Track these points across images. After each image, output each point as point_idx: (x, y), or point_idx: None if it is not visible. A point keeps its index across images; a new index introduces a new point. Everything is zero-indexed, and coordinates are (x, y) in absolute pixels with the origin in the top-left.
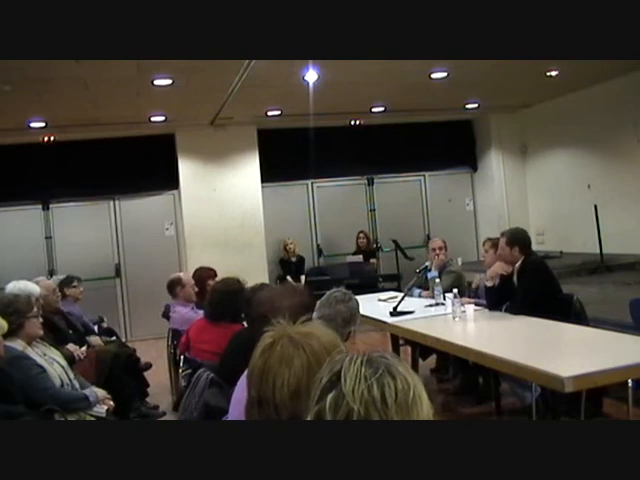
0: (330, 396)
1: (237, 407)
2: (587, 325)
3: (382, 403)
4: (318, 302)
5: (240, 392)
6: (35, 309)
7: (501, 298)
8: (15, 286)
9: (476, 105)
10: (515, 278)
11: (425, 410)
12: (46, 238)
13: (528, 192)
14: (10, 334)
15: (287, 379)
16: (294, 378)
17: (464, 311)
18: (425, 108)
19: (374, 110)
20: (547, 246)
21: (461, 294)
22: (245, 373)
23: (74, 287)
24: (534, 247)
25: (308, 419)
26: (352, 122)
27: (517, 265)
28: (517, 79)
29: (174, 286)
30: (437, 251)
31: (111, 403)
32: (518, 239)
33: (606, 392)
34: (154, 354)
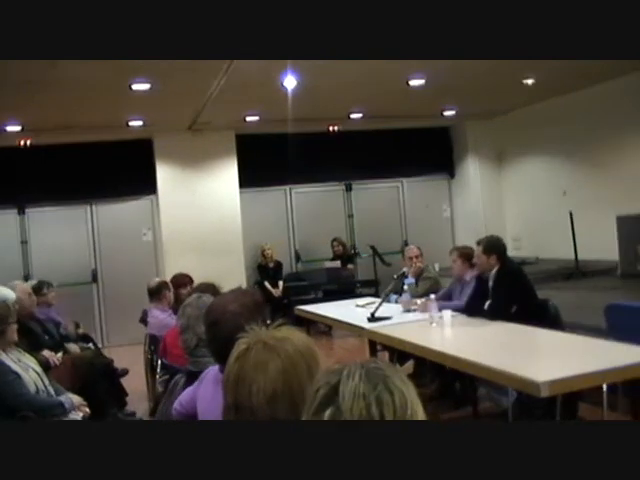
0: (327, 412)
1: (208, 414)
2: (562, 330)
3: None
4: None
5: (207, 400)
6: (13, 315)
7: (479, 304)
8: None
9: (453, 112)
10: (491, 284)
11: None
12: (22, 243)
13: (504, 198)
14: None
15: (263, 384)
16: (270, 383)
17: (441, 316)
18: (403, 115)
19: (352, 116)
20: (523, 252)
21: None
22: (203, 381)
23: (43, 294)
24: (510, 253)
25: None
26: (331, 128)
27: (493, 272)
28: (494, 86)
29: (161, 289)
30: (414, 259)
31: (87, 410)
32: (494, 247)
33: (581, 397)
34: (131, 360)
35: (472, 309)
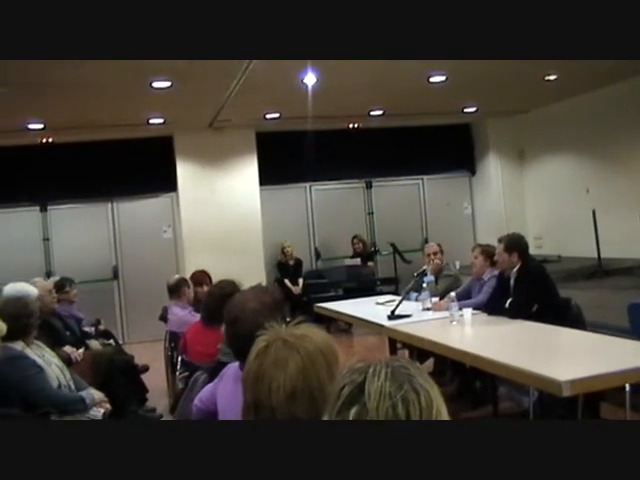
0: (353, 411)
1: (228, 411)
2: (585, 329)
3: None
4: None
5: (227, 396)
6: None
7: (500, 302)
8: (13, 288)
9: (474, 109)
10: (512, 282)
11: None
12: (44, 240)
13: (526, 196)
14: (20, 336)
15: (282, 382)
16: (289, 381)
17: (462, 315)
18: (423, 112)
19: (372, 113)
20: (545, 250)
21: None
22: (221, 380)
23: (66, 292)
24: (532, 251)
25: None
26: (350, 125)
27: (514, 270)
28: (515, 83)
29: (180, 286)
30: (432, 256)
31: (108, 406)
32: (516, 245)
33: (603, 397)
34: (151, 357)
35: (493, 307)
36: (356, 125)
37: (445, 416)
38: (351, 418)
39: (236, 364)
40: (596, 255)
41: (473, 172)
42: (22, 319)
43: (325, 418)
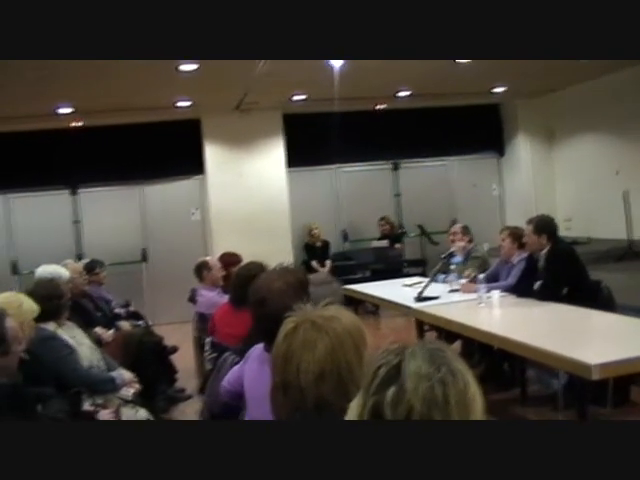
0: (390, 391)
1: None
2: (615, 312)
3: (444, 403)
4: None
5: (253, 378)
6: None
7: (529, 284)
8: (45, 270)
9: (503, 89)
10: (542, 265)
11: (479, 408)
12: (74, 223)
13: (556, 177)
14: (53, 317)
15: (311, 363)
16: (318, 362)
17: (489, 297)
18: (451, 92)
19: (399, 94)
20: (574, 232)
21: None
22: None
23: (96, 273)
24: (561, 233)
25: (354, 405)
26: (378, 107)
27: (544, 252)
28: (545, 62)
29: (201, 269)
30: (452, 237)
31: (137, 386)
32: (545, 227)
33: (634, 380)
34: (180, 338)
35: (522, 289)
36: (383, 106)
37: (479, 401)
38: (388, 399)
39: (260, 346)
40: (626, 237)
41: (502, 153)
42: (54, 300)
43: (358, 398)
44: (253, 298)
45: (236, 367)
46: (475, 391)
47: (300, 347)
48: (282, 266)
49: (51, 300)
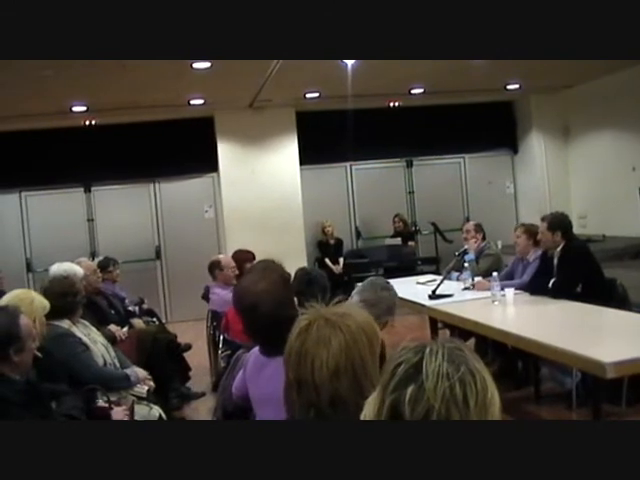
0: (409, 389)
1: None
2: (630, 310)
3: (464, 403)
4: (359, 285)
5: (254, 383)
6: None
7: (543, 282)
8: (59, 267)
9: (517, 86)
10: (556, 262)
11: (497, 409)
12: (88, 220)
13: (570, 174)
14: (67, 314)
15: (325, 360)
16: (332, 358)
17: (503, 294)
18: (465, 89)
19: (413, 91)
20: (589, 230)
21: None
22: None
23: (109, 271)
24: (576, 230)
25: (371, 402)
26: (391, 104)
27: (558, 250)
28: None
29: (213, 268)
30: (465, 235)
31: (151, 383)
32: (559, 224)
33: None
34: (193, 335)
35: (535, 287)
36: (397, 104)
37: (497, 402)
38: (407, 397)
39: (255, 350)
40: None
41: (516, 150)
42: (68, 297)
43: (376, 395)
44: (240, 304)
45: (240, 373)
46: (494, 392)
47: (314, 344)
48: (260, 264)
49: (65, 297)
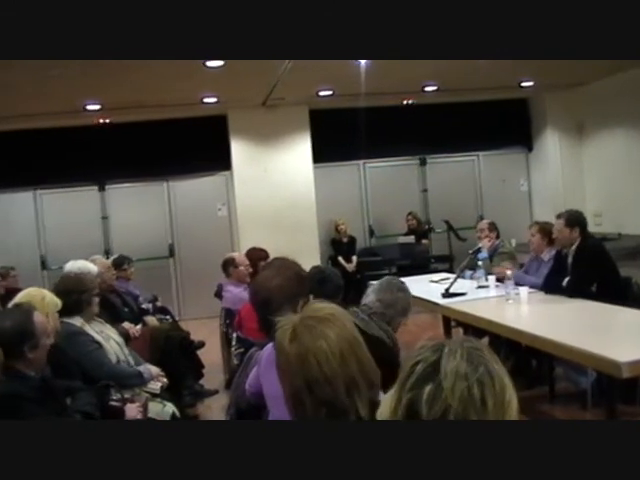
0: (427, 389)
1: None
2: None
3: (481, 404)
4: (375, 284)
5: (268, 379)
6: (96, 288)
7: (558, 281)
8: (73, 265)
9: (531, 83)
10: (571, 260)
11: (515, 411)
12: (102, 218)
13: (585, 172)
14: (75, 311)
15: (329, 350)
16: (335, 346)
17: (518, 293)
18: (479, 87)
19: (427, 89)
20: (604, 228)
21: None
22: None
23: (124, 269)
24: (591, 229)
25: (388, 399)
26: (404, 102)
27: (573, 248)
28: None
29: (227, 266)
30: (479, 233)
31: (165, 380)
32: (577, 220)
33: None
34: (207, 333)
35: (550, 286)
36: (410, 101)
37: (515, 404)
38: (425, 396)
39: (270, 346)
40: None
41: (530, 148)
42: (73, 295)
43: (393, 392)
44: (255, 299)
45: (254, 369)
46: (512, 394)
47: (311, 341)
48: (276, 261)
49: (70, 295)
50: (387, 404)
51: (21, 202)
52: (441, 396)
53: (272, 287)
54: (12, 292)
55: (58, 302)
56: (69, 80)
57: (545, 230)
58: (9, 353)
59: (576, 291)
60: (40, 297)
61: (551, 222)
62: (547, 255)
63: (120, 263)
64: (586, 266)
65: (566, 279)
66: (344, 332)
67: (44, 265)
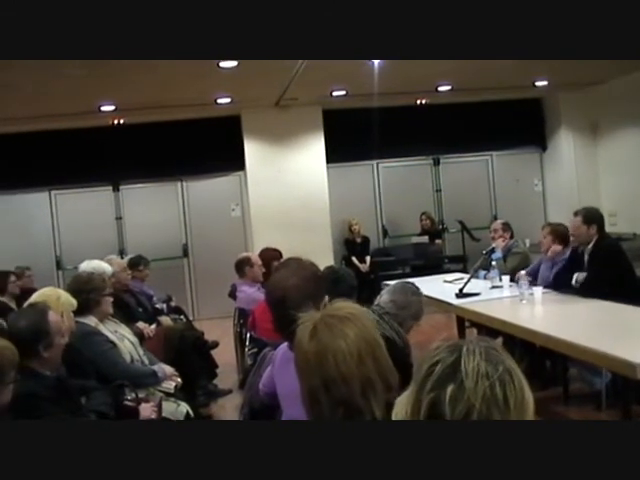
0: (450, 388)
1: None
2: None
3: (504, 403)
4: (391, 286)
5: (282, 379)
6: (108, 287)
7: (569, 278)
8: (88, 265)
9: (545, 82)
10: (587, 258)
11: (532, 410)
12: (116, 219)
13: (599, 172)
14: (86, 311)
15: (347, 350)
16: (353, 345)
17: (532, 293)
18: (493, 86)
19: (440, 89)
20: (619, 228)
21: None
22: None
23: (140, 270)
24: (606, 228)
25: (404, 401)
26: (418, 101)
27: (590, 246)
28: None
29: (243, 265)
30: (493, 233)
31: (178, 380)
32: (594, 218)
33: None
34: (220, 333)
35: (560, 282)
36: (423, 101)
37: (532, 402)
38: (447, 396)
39: (284, 346)
40: None
41: (544, 148)
42: (82, 294)
43: (409, 394)
44: (270, 298)
45: (268, 369)
46: (529, 392)
47: (331, 340)
48: (292, 261)
49: (79, 294)
50: (403, 405)
51: (36, 202)
52: (464, 396)
53: (288, 286)
54: (27, 292)
55: (73, 302)
56: (84, 81)
57: (556, 233)
58: (24, 352)
59: (591, 291)
60: (55, 297)
61: (564, 223)
62: (561, 255)
63: (136, 263)
64: (602, 265)
65: (575, 275)
66: (364, 332)
67: (59, 265)
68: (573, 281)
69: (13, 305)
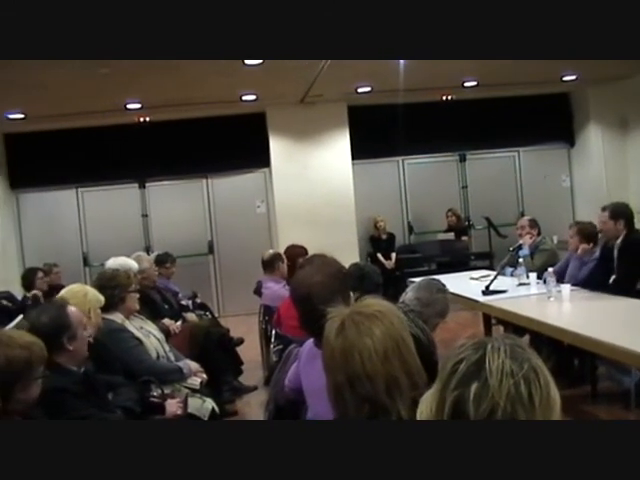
0: (473, 387)
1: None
2: None
3: (529, 402)
4: (416, 283)
5: (308, 375)
6: (134, 284)
7: (604, 279)
8: (115, 262)
9: (574, 77)
10: (616, 254)
11: (558, 408)
12: (143, 216)
13: (629, 168)
14: (111, 307)
15: (373, 347)
16: (379, 344)
17: (559, 291)
18: (519, 81)
19: (466, 85)
20: None
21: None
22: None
23: (167, 267)
24: (636, 225)
25: (429, 399)
26: (444, 97)
27: (619, 242)
28: None
29: (275, 261)
30: (519, 230)
31: (204, 376)
32: (622, 212)
33: None
34: (246, 329)
35: (594, 284)
36: (449, 97)
37: (558, 400)
38: (472, 395)
39: (310, 342)
40: None
41: (572, 143)
42: (106, 291)
43: (434, 392)
44: (296, 295)
45: (294, 365)
46: (555, 390)
47: (357, 337)
48: (316, 258)
49: (103, 290)
50: (427, 403)
51: (64, 200)
52: (488, 394)
53: (313, 283)
54: (55, 288)
55: (101, 298)
56: (110, 80)
57: (583, 233)
58: (50, 347)
59: (621, 288)
60: (82, 293)
61: (592, 220)
62: (589, 254)
63: (163, 260)
64: (632, 262)
65: (612, 277)
66: (391, 330)
67: (86, 262)
68: (610, 281)
69: (42, 301)
